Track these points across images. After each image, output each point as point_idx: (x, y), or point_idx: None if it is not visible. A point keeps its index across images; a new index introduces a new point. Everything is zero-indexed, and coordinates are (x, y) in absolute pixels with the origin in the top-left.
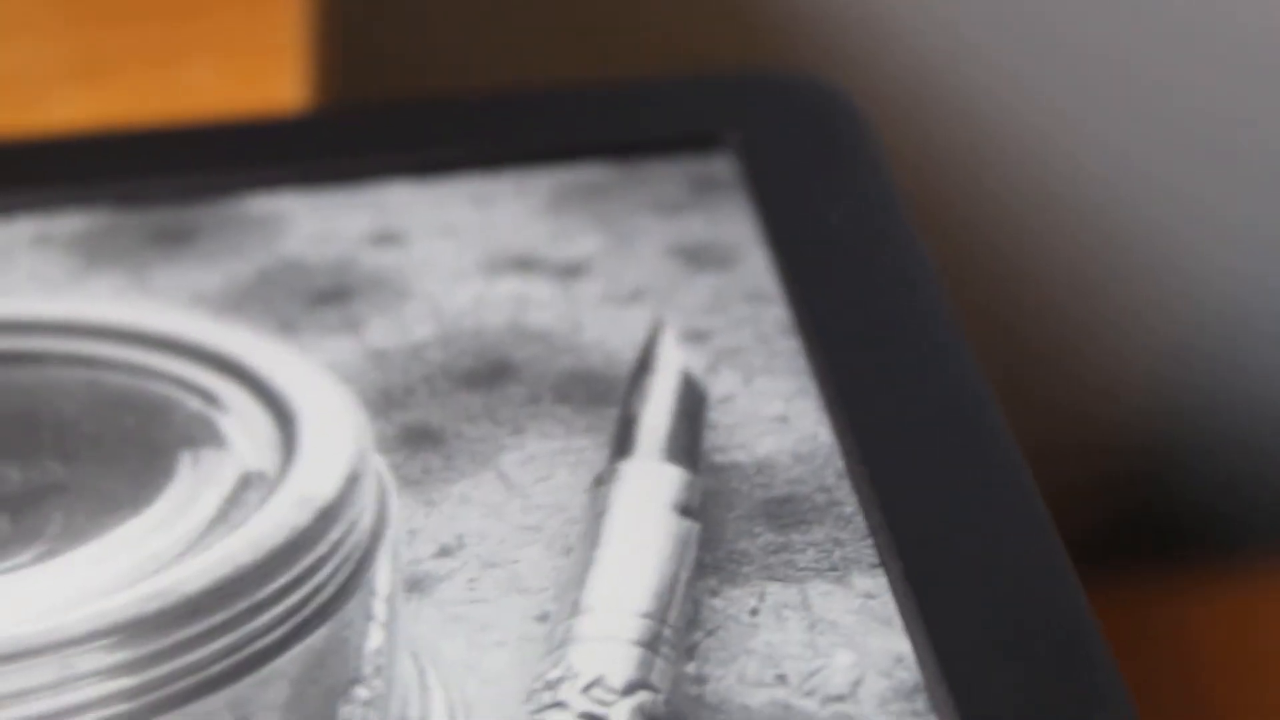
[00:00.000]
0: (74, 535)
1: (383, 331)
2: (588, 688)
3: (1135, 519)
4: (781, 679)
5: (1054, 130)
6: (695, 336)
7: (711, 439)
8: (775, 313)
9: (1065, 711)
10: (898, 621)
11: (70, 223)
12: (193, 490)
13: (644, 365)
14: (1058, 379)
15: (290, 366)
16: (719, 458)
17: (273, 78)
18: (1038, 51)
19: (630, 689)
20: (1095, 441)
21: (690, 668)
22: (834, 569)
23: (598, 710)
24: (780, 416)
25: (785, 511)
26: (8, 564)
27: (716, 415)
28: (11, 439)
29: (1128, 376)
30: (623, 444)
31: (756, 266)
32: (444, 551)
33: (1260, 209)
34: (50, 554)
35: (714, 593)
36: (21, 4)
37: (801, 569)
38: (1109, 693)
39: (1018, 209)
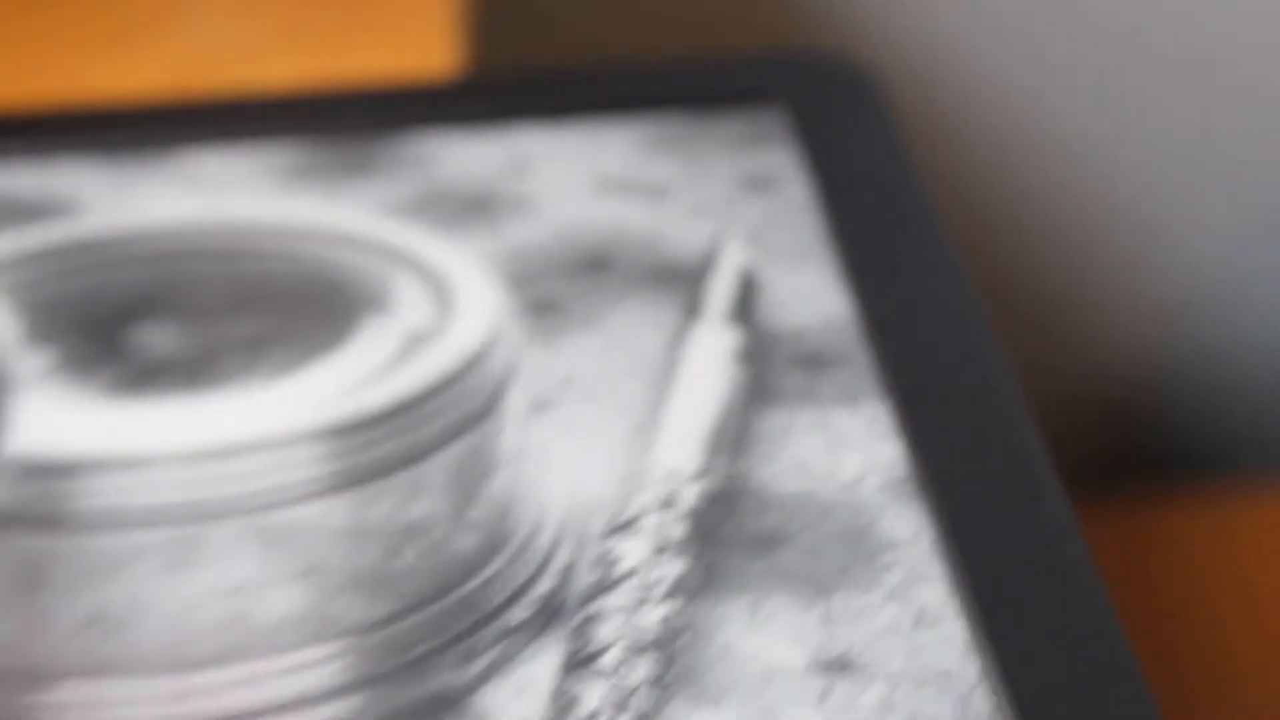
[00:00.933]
0: (285, 371)
1: (515, 235)
2: (667, 477)
3: (1136, 443)
4: (806, 473)
5: (1058, 101)
6: (750, 239)
7: (760, 311)
8: (812, 225)
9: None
10: (894, 436)
11: (280, 156)
12: (375, 342)
13: (711, 258)
14: (1065, 320)
15: (446, 255)
16: (765, 325)
17: (431, 50)
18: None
19: (698, 475)
20: (1102, 374)
21: (740, 465)
22: (848, 399)
23: (675, 489)
24: (812, 298)
25: (812, 361)
26: (239, 388)
27: (765, 295)
28: (233, 305)
29: (1131, 317)
30: (695, 312)
31: (799, 193)
32: (560, 385)
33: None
34: (268, 383)
35: (758, 415)
36: None
37: (823, 400)
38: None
39: (1016, 163)
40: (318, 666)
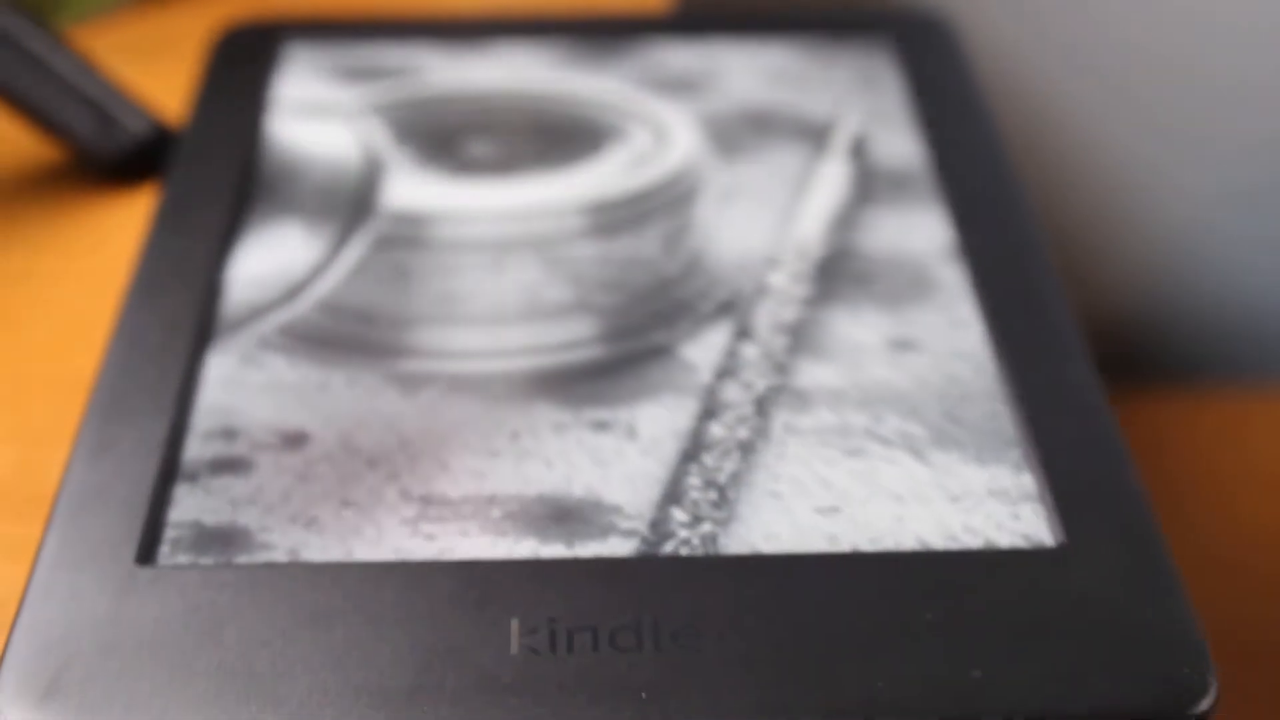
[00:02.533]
0: (557, 171)
1: (710, 104)
2: (801, 240)
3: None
4: (889, 242)
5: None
6: (863, 113)
7: (865, 154)
8: (903, 109)
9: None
10: (947, 225)
11: (556, 50)
12: (616, 158)
13: (835, 121)
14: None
15: (665, 110)
16: (868, 161)
17: None
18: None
19: (820, 241)
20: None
21: (848, 236)
22: (920, 204)
23: (806, 247)
24: (900, 148)
25: (898, 183)
26: (529, 179)
27: (869, 145)
28: (525, 130)
29: (1135, 256)
30: (824, 150)
31: (895, 90)
32: (737, 187)
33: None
34: (547, 177)
35: (862, 210)
36: None
37: (903, 204)
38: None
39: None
40: (577, 328)
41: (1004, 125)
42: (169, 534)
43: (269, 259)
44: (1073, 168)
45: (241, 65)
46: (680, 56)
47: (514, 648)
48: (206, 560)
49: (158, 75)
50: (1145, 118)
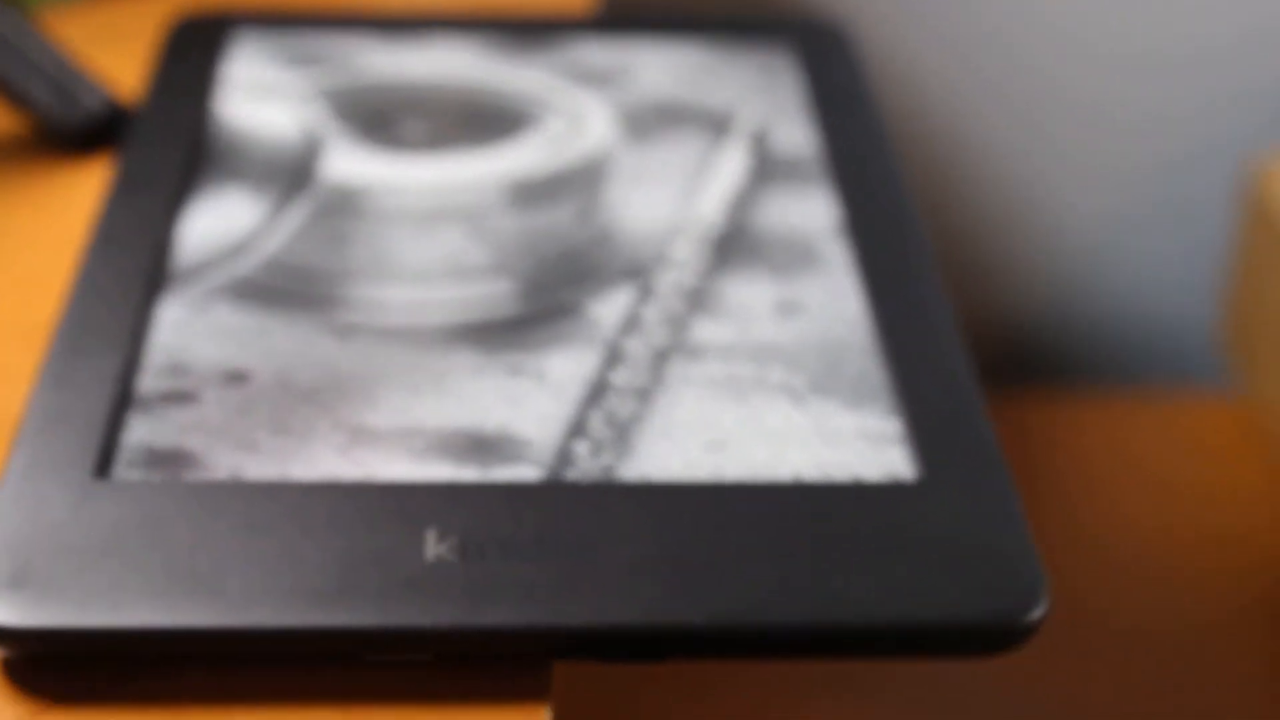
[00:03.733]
0: (480, 149)
1: (622, 94)
2: (699, 217)
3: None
4: (781, 220)
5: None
6: (761, 105)
7: (762, 142)
8: (799, 103)
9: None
10: (834, 204)
11: (483, 43)
12: (535, 140)
13: (735, 112)
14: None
15: (580, 99)
16: (764, 148)
17: None
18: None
19: (717, 217)
20: (1004, 300)
21: (742, 213)
22: (808, 185)
23: (704, 222)
24: (795, 138)
25: (791, 168)
26: (455, 156)
27: (767, 135)
28: (453, 114)
29: (1029, 266)
30: (724, 136)
31: (793, 87)
32: (643, 168)
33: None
34: (470, 155)
35: (755, 190)
36: None
37: (793, 185)
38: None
39: (965, 135)
40: (495, 288)
41: (910, 134)
42: (122, 455)
43: (216, 221)
44: (971, 179)
45: (193, 50)
46: (598, 53)
47: (429, 555)
48: (156, 477)
49: (116, 58)
50: (1045, 141)
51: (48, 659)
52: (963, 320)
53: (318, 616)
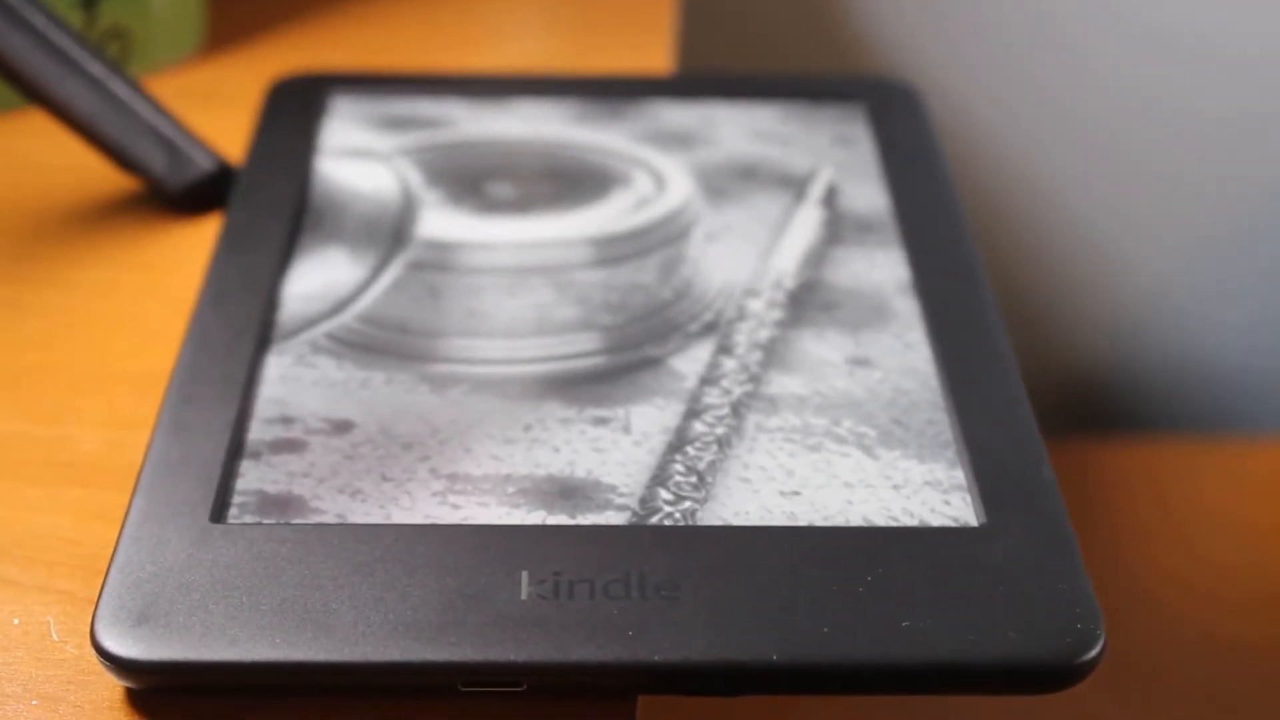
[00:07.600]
0: (569, 211)
1: (703, 156)
2: (777, 274)
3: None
4: (854, 276)
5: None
6: (836, 167)
7: (837, 203)
8: (873, 165)
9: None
10: (905, 264)
11: (570, 108)
12: (621, 201)
13: (811, 174)
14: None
15: (663, 161)
16: (839, 209)
17: (654, 56)
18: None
19: (794, 274)
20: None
21: (817, 272)
22: (882, 246)
23: (780, 279)
24: (869, 199)
25: (864, 227)
26: (544, 217)
27: (841, 195)
28: (541, 177)
29: (1090, 319)
30: (800, 199)
31: (867, 149)
32: (723, 228)
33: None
34: (560, 216)
35: (831, 250)
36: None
37: (868, 245)
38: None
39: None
40: (582, 342)
41: (980, 186)
42: (236, 499)
43: (319, 278)
44: (1043, 230)
45: (292, 112)
46: (678, 115)
47: (524, 594)
48: (268, 520)
49: (215, 118)
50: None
51: (169, 690)
52: (1034, 368)
53: (420, 651)
